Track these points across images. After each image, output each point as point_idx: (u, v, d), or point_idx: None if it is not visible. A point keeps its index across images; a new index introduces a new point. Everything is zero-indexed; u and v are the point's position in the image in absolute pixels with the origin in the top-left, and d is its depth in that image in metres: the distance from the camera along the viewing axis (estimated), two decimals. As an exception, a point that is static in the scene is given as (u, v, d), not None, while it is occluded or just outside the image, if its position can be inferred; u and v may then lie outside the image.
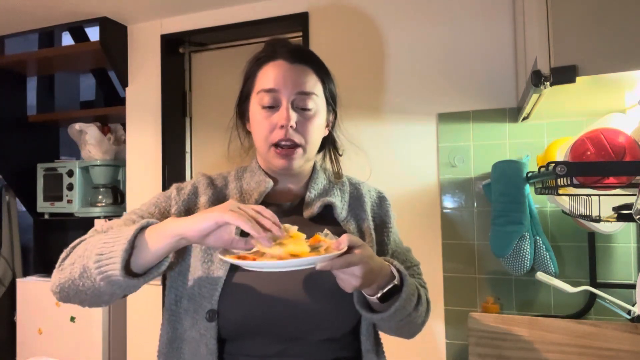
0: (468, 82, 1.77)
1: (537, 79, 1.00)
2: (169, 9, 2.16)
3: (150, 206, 0.91)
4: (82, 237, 0.84)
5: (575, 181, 1.02)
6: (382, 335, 0.97)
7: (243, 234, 0.78)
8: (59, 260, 0.82)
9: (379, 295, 0.80)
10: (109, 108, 2.54)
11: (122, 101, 2.37)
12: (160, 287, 2.05)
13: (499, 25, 1.74)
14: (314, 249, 0.74)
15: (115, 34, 2.28)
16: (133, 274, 0.75)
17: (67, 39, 2.68)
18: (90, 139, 2.42)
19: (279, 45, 0.92)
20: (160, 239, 0.74)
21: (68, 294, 0.79)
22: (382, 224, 0.99)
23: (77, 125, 2.46)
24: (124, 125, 2.45)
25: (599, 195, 1.05)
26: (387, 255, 0.96)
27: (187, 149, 2.35)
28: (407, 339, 0.95)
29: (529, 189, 1.55)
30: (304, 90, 0.89)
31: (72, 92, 2.90)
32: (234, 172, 1.00)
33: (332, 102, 0.96)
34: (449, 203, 1.78)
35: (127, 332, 2.24)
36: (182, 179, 2.31)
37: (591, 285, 1.52)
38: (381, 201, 1.02)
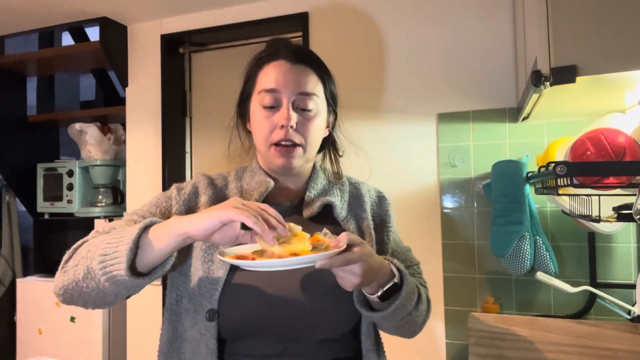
0: (468, 82, 1.77)
1: (537, 79, 1.00)
2: (169, 9, 2.16)
3: (151, 206, 0.91)
4: (84, 239, 0.84)
5: (575, 181, 1.02)
6: (382, 335, 0.97)
7: (246, 229, 0.77)
8: (62, 262, 0.82)
9: (379, 293, 0.80)
10: (109, 108, 2.54)
11: (122, 101, 2.37)
12: (161, 287, 2.05)
13: (499, 25, 1.74)
14: (314, 248, 0.74)
15: (115, 34, 2.28)
16: (138, 274, 0.75)
17: (67, 39, 2.68)
18: (90, 139, 2.42)
19: (281, 46, 0.92)
20: (165, 238, 0.74)
21: (72, 296, 0.79)
22: (381, 224, 0.99)
23: (77, 125, 2.46)
24: (124, 125, 2.45)
25: (599, 195, 1.05)
26: (387, 255, 0.96)
27: (187, 149, 2.35)
28: (408, 339, 0.95)
29: (529, 189, 1.55)
30: (305, 91, 0.89)
31: (72, 92, 2.90)
32: (234, 172, 1.00)
33: (332, 102, 0.97)
34: (449, 203, 1.78)
35: (127, 332, 2.24)
36: (182, 179, 2.31)
37: (591, 285, 1.52)
38: (381, 201, 1.02)
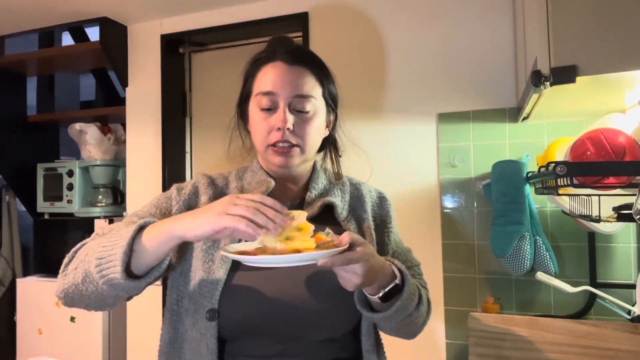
0: (468, 82, 1.77)
1: (537, 79, 1.00)
2: (169, 9, 2.16)
3: (151, 207, 0.91)
4: (84, 241, 0.84)
5: (575, 181, 1.02)
6: (382, 334, 0.97)
7: None
8: (62, 265, 0.82)
9: (380, 294, 0.80)
10: (109, 108, 2.53)
11: (122, 101, 2.37)
12: (161, 287, 2.05)
13: (499, 25, 1.74)
14: (316, 247, 0.73)
15: (115, 34, 2.28)
16: (134, 276, 0.75)
17: (67, 39, 2.68)
18: (90, 139, 2.42)
19: (278, 46, 0.92)
20: (159, 240, 0.73)
21: (73, 299, 0.80)
22: (382, 224, 0.99)
23: (77, 125, 2.46)
24: (124, 125, 2.45)
25: (599, 195, 1.05)
26: (388, 256, 0.96)
27: (187, 149, 2.35)
28: (408, 340, 0.95)
29: (529, 189, 1.55)
30: (301, 93, 0.89)
31: (72, 92, 2.90)
32: (234, 172, 1.00)
33: (331, 103, 0.96)
34: (449, 203, 1.78)
35: (127, 332, 2.24)
36: (182, 179, 2.31)
37: (591, 285, 1.52)
38: (381, 201, 1.02)
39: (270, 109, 0.89)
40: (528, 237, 1.53)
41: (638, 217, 0.85)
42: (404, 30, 1.87)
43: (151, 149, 2.27)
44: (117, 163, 2.49)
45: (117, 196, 2.50)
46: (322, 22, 1.99)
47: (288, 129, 0.87)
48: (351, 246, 0.74)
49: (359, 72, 1.92)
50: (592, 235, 1.56)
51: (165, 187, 2.22)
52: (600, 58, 0.95)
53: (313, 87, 0.91)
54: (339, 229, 0.91)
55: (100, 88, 2.80)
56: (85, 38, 2.53)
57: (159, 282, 0.96)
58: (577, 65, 0.95)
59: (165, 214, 0.90)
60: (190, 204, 0.92)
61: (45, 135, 2.71)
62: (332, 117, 0.99)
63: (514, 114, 1.69)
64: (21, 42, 2.59)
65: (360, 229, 0.95)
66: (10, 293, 2.55)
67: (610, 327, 1.38)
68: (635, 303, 1.35)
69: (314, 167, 1.00)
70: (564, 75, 0.95)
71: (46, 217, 2.51)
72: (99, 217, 2.34)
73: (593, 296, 1.54)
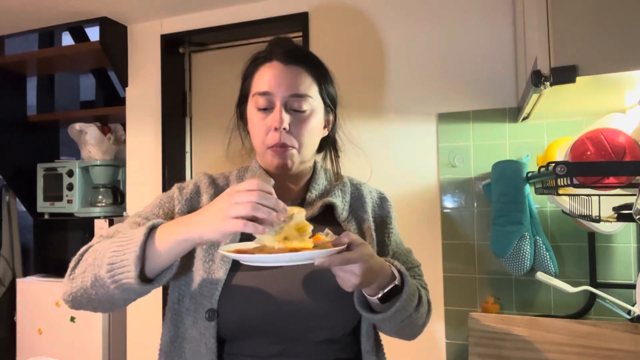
0: (468, 82, 1.77)
1: (537, 79, 1.00)
2: (169, 9, 2.16)
3: (154, 207, 0.91)
4: (90, 244, 0.83)
5: (575, 181, 1.02)
6: (382, 335, 0.97)
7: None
8: (69, 268, 0.81)
9: (379, 295, 0.80)
10: (109, 108, 2.53)
11: (122, 101, 2.37)
12: (161, 287, 2.05)
13: (499, 25, 1.74)
14: (315, 247, 0.73)
15: (115, 34, 2.28)
16: (147, 280, 0.75)
17: (67, 39, 2.68)
18: (90, 139, 2.42)
19: (276, 46, 0.92)
20: (173, 243, 0.73)
21: (81, 302, 0.80)
22: (382, 225, 0.99)
23: (77, 125, 2.46)
24: (124, 125, 2.45)
25: (599, 195, 1.05)
26: (388, 256, 0.96)
27: (187, 149, 2.35)
28: (408, 341, 0.95)
29: (529, 189, 1.55)
30: (298, 93, 0.89)
31: (72, 92, 2.90)
32: (235, 171, 1.00)
33: (330, 103, 0.96)
34: (449, 203, 1.78)
35: (127, 332, 2.24)
36: (182, 179, 2.31)
37: (591, 285, 1.52)
38: (382, 202, 1.02)
39: (267, 109, 0.89)
40: (528, 237, 1.53)
41: (638, 217, 0.85)
42: (404, 30, 1.87)
43: (151, 149, 2.27)
44: (117, 163, 2.49)
45: (117, 196, 2.50)
46: (322, 22, 1.98)
47: (284, 129, 0.87)
48: (350, 246, 0.74)
49: (358, 72, 1.92)
50: (592, 235, 1.56)
51: (166, 187, 2.22)
52: (600, 58, 0.95)
53: (310, 87, 0.91)
54: (339, 230, 0.91)
55: (100, 88, 2.80)
56: (85, 38, 2.53)
57: (159, 282, 0.96)
58: (577, 65, 0.95)
59: (168, 214, 0.90)
60: (192, 204, 0.92)
61: (45, 135, 2.71)
62: (331, 117, 0.99)
63: (514, 114, 1.69)
64: (21, 42, 2.59)
65: (361, 230, 0.95)
66: (10, 293, 2.55)
67: (610, 327, 1.38)
68: (635, 303, 1.35)
69: (314, 167, 1.00)
70: (564, 75, 0.95)
71: (46, 217, 2.51)
72: (99, 217, 2.34)
73: (593, 296, 1.54)
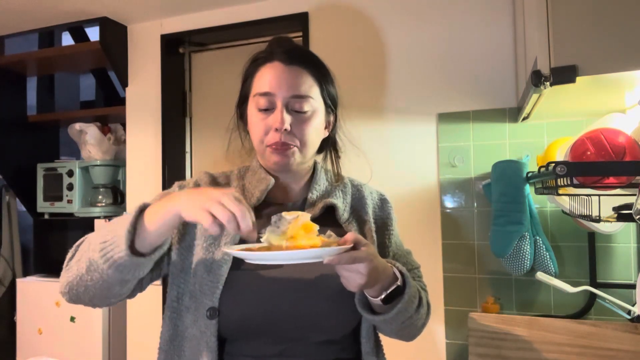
0: (468, 82, 1.77)
1: (537, 79, 1.00)
2: (169, 9, 2.16)
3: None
4: (85, 237, 0.85)
5: (575, 181, 1.02)
6: (381, 335, 0.97)
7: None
8: (66, 260, 0.83)
9: (382, 296, 0.80)
10: (109, 108, 2.53)
11: (122, 101, 2.37)
12: (160, 286, 2.05)
13: (499, 25, 1.74)
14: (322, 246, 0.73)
15: (115, 34, 2.28)
16: (139, 254, 0.75)
17: (67, 39, 2.68)
18: (90, 139, 2.42)
19: (277, 46, 0.92)
20: (163, 219, 0.74)
21: (77, 292, 0.80)
22: (383, 226, 0.99)
23: (77, 125, 2.46)
24: (124, 125, 2.45)
25: (599, 195, 1.05)
26: (388, 258, 0.96)
27: (187, 149, 2.35)
28: (407, 342, 0.95)
29: (529, 189, 1.55)
30: (299, 94, 0.88)
31: (72, 92, 2.90)
32: (236, 171, 1.00)
33: (330, 104, 0.96)
34: (449, 203, 1.78)
35: (127, 332, 2.24)
36: (182, 179, 2.29)
37: (591, 285, 1.52)
38: (383, 203, 1.02)
39: (268, 110, 0.89)
40: (528, 237, 1.53)
41: (638, 217, 0.85)
42: (404, 30, 1.87)
43: (151, 149, 2.27)
44: (117, 163, 2.49)
45: (117, 196, 2.50)
46: (322, 22, 1.98)
47: (285, 129, 0.87)
48: (355, 246, 0.74)
49: (359, 72, 1.92)
50: (592, 235, 1.56)
51: (166, 187, 2.22)
52: (600, 58, 0.95)
53: (311, 87, 0.90)
54: (340, 231, 0.91)
55: (100, 88, 2.80)
56: (85, 38, 2.53)
57: (159, 282, 0.96)
58: (577, 65, 0.95)
59: None
60: None
61: (45, 135, 2.71)
62: (331, 118, 0.98)
63: (514, 114, 1.69)
64: (21, 42, 2.59)
65: (362, 231, 0.95)
66: (10, 293, 2.55)
67: (610, 327, 1.38)
68: (635, 303, 1.35)
69: (314, 167, 1.00)
70: (564, 75, 0.95)
71: (46, 217, 2.51)
72: (99, 217, 2.34)
73: (593, 296, 1.54)
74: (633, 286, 1.51)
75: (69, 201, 2.42)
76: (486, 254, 1.71)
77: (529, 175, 1.52)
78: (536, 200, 1.61)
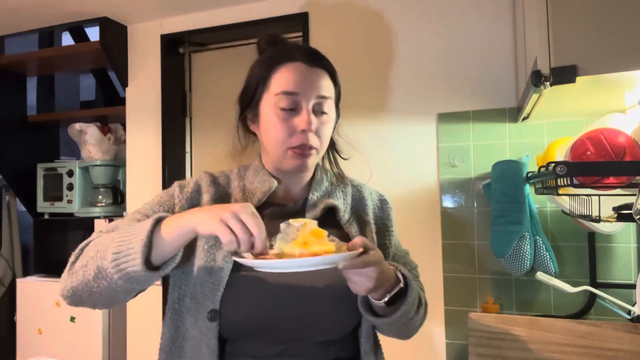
0: (468, 82, 1.77)
1: (537, 79, 1.00)
2: (169, 9, 2.16)
3: (154, 205, 0.90)
4: (89, 239, 0.83)
5: (575, 181, 1.02)
6: (380, 335, 0.97)
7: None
8: (69, 263, 0.81)
9: (386, 299, 0.81)
10: (109, 108, 2.53)
11: (122, 101, 2.37)
12: (161, 287, 2.05)
13: (499, 25, 1.74)
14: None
15: (115, 34, 2.28)
16: (152, 268, 0.75)
17: (67, 39, 2.68)
18: (90, 139, 2.42)
19: (294, 47, 0.91)
20: (178, 232, 0.74)
21: (81, 297, 0.79)
22: (383, 227, 0.99)
23: (77, 125, 2.46)
24: (124, 125, 2.45)
25: (599, 195, 1.05)
26: (388, 259, 0.96)
27: (187, 149, 2.35)
28: (404, 340, 0.95)
29: (529, 189, 1.55)
30: (323, 95, 0.88)
31: (72, 92, 2.90)
32: (236, 170, 0.99)
33: (338, 104, 0.96)
34: (449, 203, 1.78)
35: (127, 332, 2.23)
36: (182, 178, 2.29)
37: (591, 285, 1.52)
38: (383, 204, 1.02)
39: (292, 110, 0.87)
40: (528, 237, 1.53)
41: (638, 217, 0.85)
42: (404, 30, 1.87)
43: (151, 149, 2.27)
44: (117, 163, 2.49)
45: (117, 196, 2.50)
46: (322, 22, 1.99)
47: (311, 131, 0.87)
48: (364, 250, 0.74)
49: (358, 72, 1.92)
50: (592, 235, 1.56)
51: (166, 187, 2.21)
52: (600, 58, 0.95)
53: (330, 88, 0.91)
54: (340, 232, 0.91)
55: (100, 88, 2.80)
56: (85, 38, 2.53)
57: (159, 282, 0.96)
58: (577, 65, 0.95)
59: (169, 211, 0.89)
60: (193, 202, 0.91)
61: (45, 135, 2.71)
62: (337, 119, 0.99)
63: (514, 114, 1.69)
64: (21, 42, 2.59)
65: (362, 232, 0.95)
66: (10, 293, 2.55)
67: (610, 327, 1.38)
68: (635, 303, 1.35)
69: (315, 168, 1.00)
70: (564, 75, 0.95)
71: (46, 217, 2.51)
72: (99, 217, 2.34)
73: (593, 296, 1.54)
74: (633, 286, 1.51)
75: (69, 201, 2.42)
76: (486, 254, 1.71)
77: (529, 175, 1.52)
78: (536, 200, 1.61)
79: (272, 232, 0.75)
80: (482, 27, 1.76)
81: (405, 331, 0.90)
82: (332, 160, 1.03)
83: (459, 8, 1.79)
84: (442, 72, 1.81)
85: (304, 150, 0.87)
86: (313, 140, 0.87)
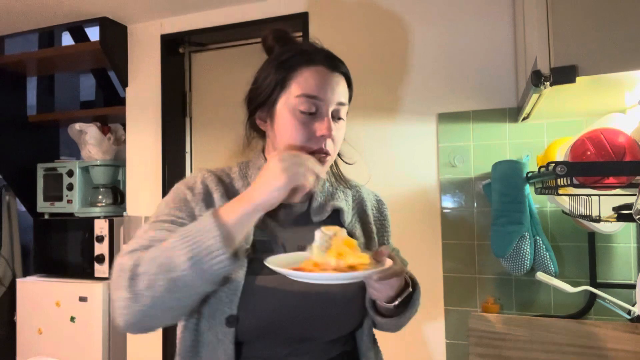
0: (468, 82, 1.77)
1: (537, 79, 1.00)
2: (169, 9, 2.16)
3: (175, 210, 0.86)
4: (126, 263, 0.75)
5: (575, 181, 1.02)
6: (383, 334, 0.99)
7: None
8: (123, 291, 0.73)
9: (396, 302, 0.84)
10: (109, 108, 2.54)
11: (122, 101, 2.37)
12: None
13: (499, 25, 1.74)
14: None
15: (115, 34, 2.28)
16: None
17: (67, 39, 2.68)
18: (90, 139, 2.42)
19: (315, 51, 0.90)
20: (242, 217, 0.74)
21: (152, 317, 0.75)
22: (382, 228, 1.02)
23: (77, 125, 2.46)
24: (124, 125, 2.45)
25: (599, 195, 1.05)
26: None
27: (187, 149, 2.35)
28: (394, 333, 0.99)
29: (529, 189, 1.55)
30: (342, 101, 0.88)
31: (72, 92, 2.90)
32: (237, 169, 0.97)
33: None
34: (449, 203, 1.78)
35: (127, 332, 2.23)
36: (182, 178, 2.30)
37: (591, 285, 1.52)
38: (379, 204, 1.04)
39: (312, 113, 0.86)
40: (528, 237, 1.53)
41: (638, 217, 0.85)
42: (404, 30, 1.87)
43: (151, 149, 2.27)
44: (117, 163, 2.49)
45: (117, 196, 2.50)
46: (322, 22, 1.98)
47: (330, 137, 0.86)
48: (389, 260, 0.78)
49: (358, 72, 1.89)
50: (592, 235, 1.56)
51: (165, 186, 2.22)
52: (600, 58, 0.95)
53: (346, 94, 0.91)
54: None
55: (100, 88, 2.80)
56: (85, 38, 2.53)
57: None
58: (577, 65, 0.95)
59: (190, 215, 0.86)
60: (208, 203, 0.88)
61: (45, 135, 2.71)
62: None
63: (514, 114, 1.69)
64: (21, 42, 2.59)
65: (365, 233, 0.97)
66: (10, 293, 2.54)
67: (610, 327, 1.39)
68: (635, 303, 1.35)
69: None
70: (564, 75, 0.95)
71: (46, 217, 2.51)
72: (99, 217, 2.34)
73: (593, 296, 1.54)
74: (633, 286, 1.51)
75: (69, 201, 2.42)
76: (486, 254, 1.71)
77: (529, 175, 1.52)
78: (536, 200, 1.61)
79: (286, 234, 0.79)
80: (482, 27, 1.76)
81: (400, 326, 0.94)
82: (334, 163, 1.02)
83: (459, 8, 1.79)
84: (442, 72, 1.81)
85: (320, 155, 0.86)
86: (329, 145, 0.87)
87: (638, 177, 0.98)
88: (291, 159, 0.75)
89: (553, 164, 1.00)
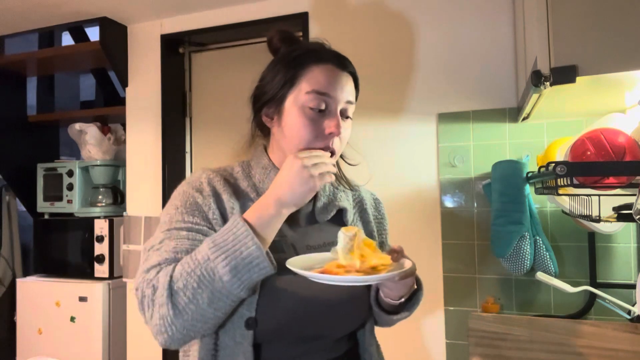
0: (468, 82, 1.77)
1: (537, 79, 1.00)
2: (169, 9, 2.16)
3: (188, 216, 0.84)
4: (159, 280, 0.75)
5: (575, 181, 1.02)
6: (383, 334, 1.02)
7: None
8: (163, 309, 0.73)
9: (402, 300, 0.87)
10: (109, 108, 2.54)
11: (122, 101, 2.37)
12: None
13: (499, 25, 1.74)
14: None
15: (115, 34, 2.28)
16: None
17: (67, 39, 2.68)
18: (90, 139, 2.42)
19: (323, 50, 0.91)
20: (274, 218, 0.77)
21: (194, 329, 0.75)
22: (380, 227, 1.03)
23: (77, 125, 2.46)
24: (124, 125, 2.45)
25: (599, 195, 1.05)
26: None
27: (187, 149, 2.35)
28: (387, 328, 1.01)
29: (529, 189, 1.55)
30: (351, 100, 0.89)
31: (72, 92, 2.90)
32: (238, 168, 0.95)
33: None
34: (449, 203, 1.78)
35: (127, 332, 2.24)
36: (182, 178, 2.29)
37: (591, 285, 1.52)
38: (377, 204, 1.06)
39: (321, 110, 0.86)
40: (528, 237, 1.53)
41: (638, 217, 0.85)
42: (404, 30, 1.87)
43: (151, 149, 2.27)
44: (117, 163, 2.49)
45: (117, 196, 2.50)
46: (322, 22, 1.98)
47: (338, 135, 0.86)
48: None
49: (358, 72, 1.89)
50: (592, 235, 1.56)
51: (165, 186, 2.22)
52: (600, 58, 0.95)
53: (354, 94, 0.91)
54: None
55: (100, 88, 2.80)
56: (85, 38, 2.53)
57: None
58: (577, 65, 0.95)
59: (205, 219, 0.85)
60: (218, 204, 0.87)
61: (45, 135, 2.71)
62: None
63: (514, 114, 1.69)
64: (21, 42, 2.59)
65: (366, 232, 0.97)
66: (10, 293, 2.55)
67: (610, 327, 1.39)
68: (635, 303, 1.35)
69: None
70: (564, 75, 0.95)
71: (46, 217, 2.51)
72: (99, 217, 2.34)
73: (593, 296, 1.54)
74: (633, 286, 1.51)
75: (69, 201, 2.42)
76: (486, 254, 1.71)
77: (529, 175, 1.52)
78: (536, 200, 1.61)
79: (295, 235, 0.80)
80: (482, 27, 1.76)
81: (397, 322, 0.97)
82: (336, 163, 1.02)
83: (459, 8, 1.79)
84: (442, 72, 1.81)
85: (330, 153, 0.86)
86: (336, 144, 0.87)
87: (638, 177, 0.98)
88: (315, 159, 0.76)
89: (553, 164, 1.00)
